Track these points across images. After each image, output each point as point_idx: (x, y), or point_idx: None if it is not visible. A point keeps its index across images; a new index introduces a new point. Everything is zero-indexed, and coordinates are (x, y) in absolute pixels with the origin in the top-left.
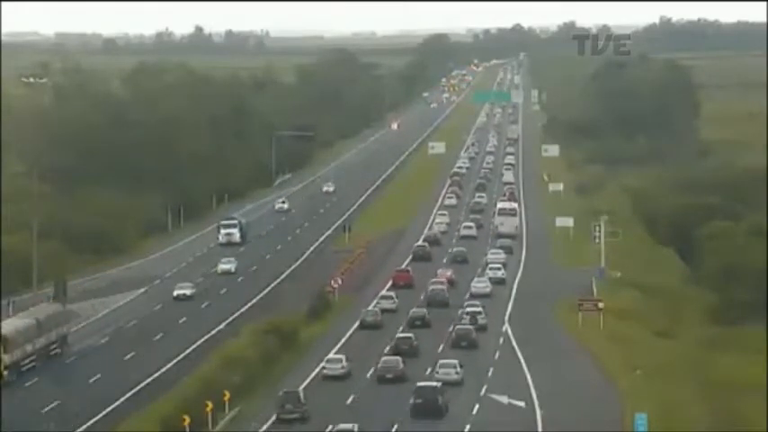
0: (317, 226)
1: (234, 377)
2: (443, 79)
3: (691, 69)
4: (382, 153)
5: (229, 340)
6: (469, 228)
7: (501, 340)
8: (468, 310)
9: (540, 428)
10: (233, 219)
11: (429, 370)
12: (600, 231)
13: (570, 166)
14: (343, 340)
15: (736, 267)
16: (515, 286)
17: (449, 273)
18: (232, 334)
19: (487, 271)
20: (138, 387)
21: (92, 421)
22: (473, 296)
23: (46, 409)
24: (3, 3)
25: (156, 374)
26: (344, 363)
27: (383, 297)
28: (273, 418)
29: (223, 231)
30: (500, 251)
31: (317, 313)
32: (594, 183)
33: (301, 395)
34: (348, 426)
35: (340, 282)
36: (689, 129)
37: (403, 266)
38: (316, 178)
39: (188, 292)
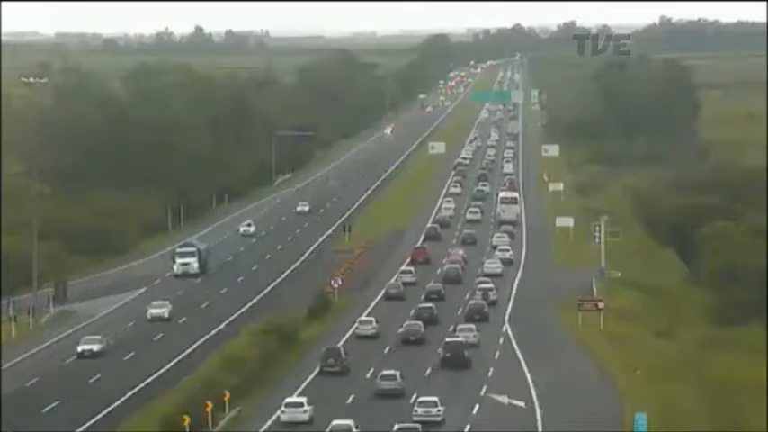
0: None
1: (234, 377)
2: (441, 82)
3: (691, 69)
4: (380, 156)
5: (229, 341)
6: (474, 213)
7: (501, 340)
8: (481, 286)
9: (540, 428)
10: (190, 245)
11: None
12: (600, 231)
13: (570, 166)
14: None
15: (736, 267)
16: (515, 286)
17: (461, 252)
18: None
19: (496, 253)
20: (138, 387)
21: (92, 421)
22: (486, 275)
23: (46, 410)
24: (3, 3)
25: (155, 374)
26: (375, 324)
27: (403, 272)
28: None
29: (179, 261)
30: (504, 235)
31: (317, 313)
32: (594, 183)
33: (342, 351)
34: (391, 371)
35: (340, 282)
36: (689, 129)
37: (419, 245)
38: (316, 178)
39: (96, 347)
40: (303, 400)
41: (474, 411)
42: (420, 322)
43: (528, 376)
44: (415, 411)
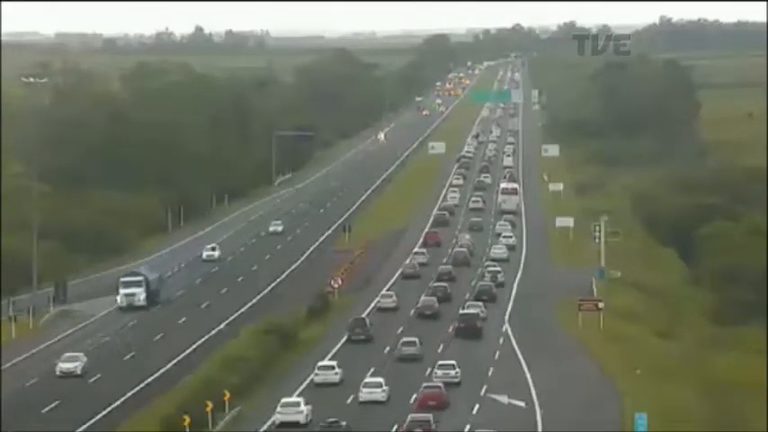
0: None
1: (234, 377)
2: (438, 83)
3: (691, 69)
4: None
5: (229, 341)
6: (477, 202)
7: (501, 340)
8: (490, 269)
9: (540, 428)
10: (137, 274)
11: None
12: (600, 231)
13: (570, 166)
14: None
15: (736, 267)
16: (515, 286)
17: (467, 237)
18: (233, 335)
19: (501, 239)
20: (139, 387)
21: (92, 421)
22: (493, 260)
23: (46, 410)
24: (3, 3)
25: (156, 374)
26: (395, 298)
27: (416, 253)
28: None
29: (122, 291)
30: (507, 223)
31: (317, 313)
32: (594, 183)
33: (367, 321)
34: (412, 338)
35: (340, 282)
36: (689, 129)
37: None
38: (316, 178)
39: None
40: (334, 363)
41: (474, 411)
42: (434, 298)
43: (528, 376)
44: (435, 374)
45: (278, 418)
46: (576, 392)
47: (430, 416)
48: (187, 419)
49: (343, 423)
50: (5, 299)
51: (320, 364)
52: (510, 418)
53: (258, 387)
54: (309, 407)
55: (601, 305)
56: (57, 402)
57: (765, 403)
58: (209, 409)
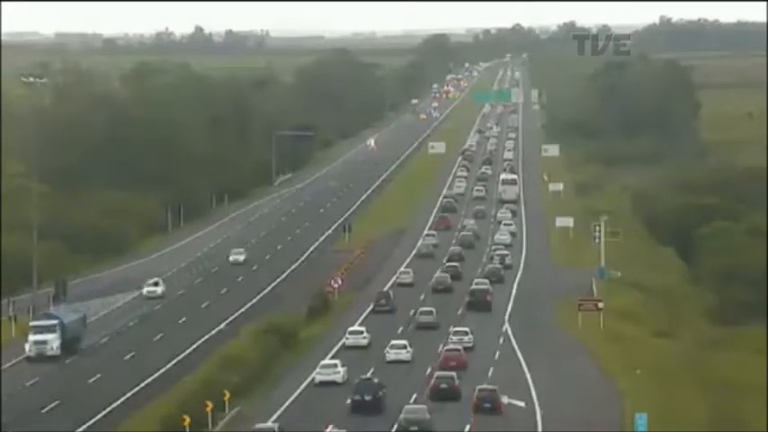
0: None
1: (234, 377)
2: (435, 85)
3: (691, 69)
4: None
5: (229, 340)
6: (480, 191)
7: (501, 340)
8: (498, 252)
9: (540, 428)
10: (50, 317)
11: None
12: (600, 231)
13: (570, 166)
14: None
15: (736, 267)
16: (515, 286)
17: (472, 222)
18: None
19: (502, 226)
20: (139, 387)
21: (92, 421)
22: (497, 244)
23: (46, 409)
24: (3, 3)
25: (156, 374)
26: (412, 274)
27: (428, 235)
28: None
29: (32, 338)
30: (507, 211)
31: (317, 313)
32: (594, 183)
33: (391, 294)
34: (429, 308)
35: (340, 282)
36: (689, 129)
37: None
38: (316, 178)
39: None
40: (363, 329)
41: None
42: (447, 275)
43: (528, 376)
44: (451, 339)
45: (317, 378)
46: (576, 392)
47: (453, 373)
48: (187, 419)
49: (376, 380)
50: (5, 299)
51: (350, 329)
52: (510, 418)
53: (258, 387)
54: (345, 368)
55: (601, 305)
56: (57, 402)
57: (765, 403)
58: (209, 409)
